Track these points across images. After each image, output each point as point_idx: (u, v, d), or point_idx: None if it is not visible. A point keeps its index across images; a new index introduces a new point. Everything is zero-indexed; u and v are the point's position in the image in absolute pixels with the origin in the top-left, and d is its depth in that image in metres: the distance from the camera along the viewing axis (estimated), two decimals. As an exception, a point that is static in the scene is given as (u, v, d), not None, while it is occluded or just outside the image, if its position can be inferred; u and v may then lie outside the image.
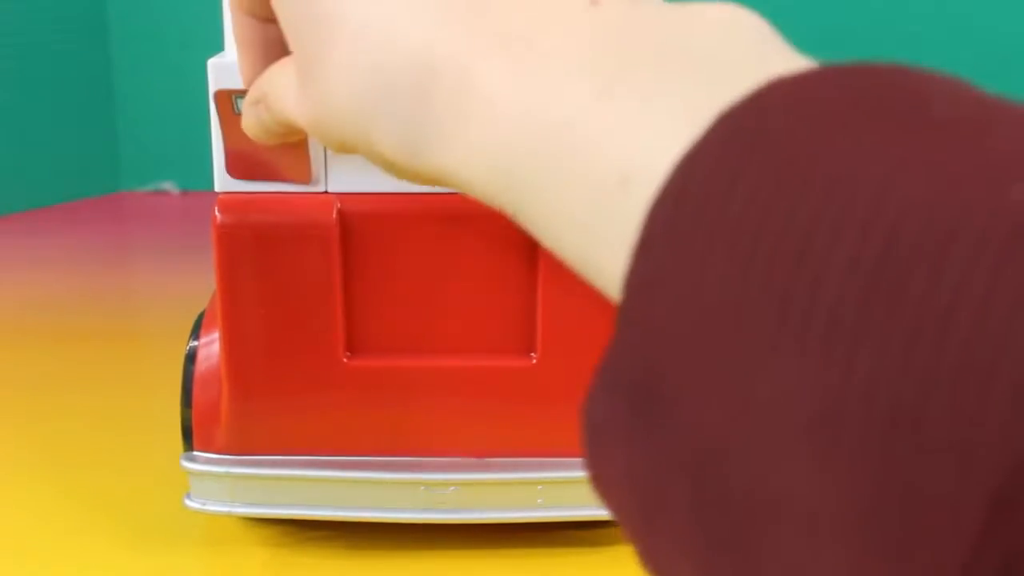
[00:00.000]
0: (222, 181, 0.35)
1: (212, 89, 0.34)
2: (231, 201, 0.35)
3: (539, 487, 0.37)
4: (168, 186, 0.87)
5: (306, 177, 0.35)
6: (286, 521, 0.40)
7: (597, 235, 0.16)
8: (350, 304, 0.36)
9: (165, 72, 0.83)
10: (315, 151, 0.35)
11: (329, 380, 0.36)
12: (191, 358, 0.38)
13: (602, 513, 0.37)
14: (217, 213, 0.35)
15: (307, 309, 0.35)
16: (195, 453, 0.38)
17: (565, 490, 0.37)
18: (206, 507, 0.38)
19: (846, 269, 0.11)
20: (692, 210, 0.13)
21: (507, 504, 0.37)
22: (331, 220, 0.34)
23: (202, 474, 0.38)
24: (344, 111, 0.20)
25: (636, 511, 0.14)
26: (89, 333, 0.61)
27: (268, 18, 0.24)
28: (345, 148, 0.21)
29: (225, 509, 0.38)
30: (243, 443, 0.37)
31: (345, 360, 0.36)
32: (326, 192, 0.35)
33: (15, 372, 0.56)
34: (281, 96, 0.23)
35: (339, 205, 0.35)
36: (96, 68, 0.85)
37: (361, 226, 0.35)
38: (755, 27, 0.16)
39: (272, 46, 0.25)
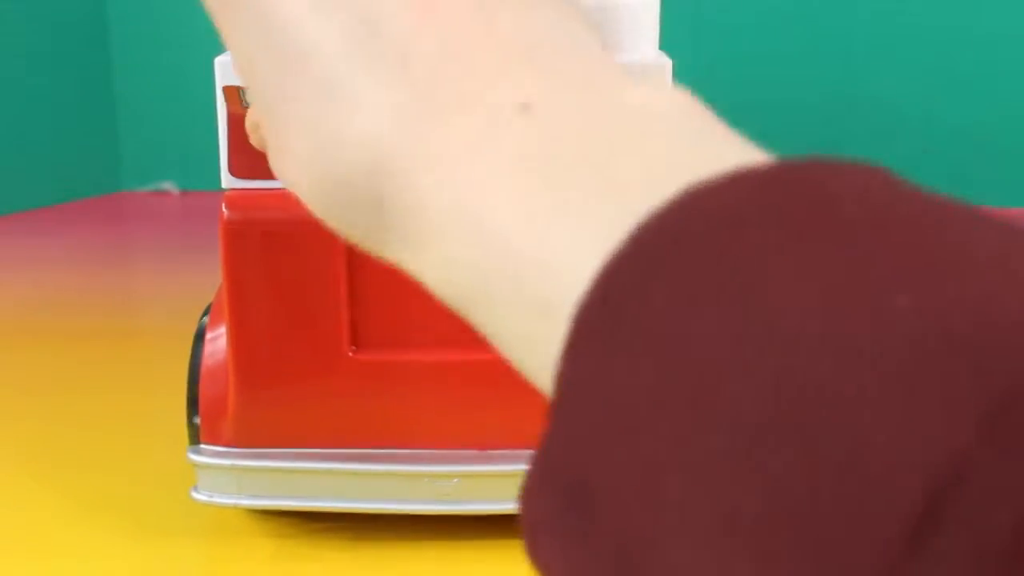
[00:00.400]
0: (228, 178, 0.36)
1: (220, 85, 0.35)
2: (238, 198, 0.36)
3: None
4: (168, 186, 0.87)
5: None
6: (291, 513, 0.40)
7: (533, 353, 0.16)
8: (355, 298, 0.36)
9: (165, 72, 0.83)
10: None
11: (334, 373, 0.37)
12: (200, 336, 0.39)
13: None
14: (224, 209, 0.35)
15: (312, 304, 0.36)
16: (202, 446, 0.38)
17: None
18: (213, 499, 0.38)
19: (745, 381, 0.12)
20: (610, 317, 0.14)
21: (510, 496, 0.37)
22: (337, 216, 0.35)
23: (209, 466, 0.38)
24: (305, 197, 0.19)
25: None
26: (89, 333, 0.62)
27: None
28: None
29: (232, 501, 0.38)
30: (249, 436, 0.38)
31: (350, 353, 0.36)
32: (331, 188, 0.35)
33: (15, 372, 0.56)
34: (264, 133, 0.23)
35: (344, 201, 0.35)
36: (96, 68, 0.85)
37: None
38: (683, 114, 0.16)
39: None
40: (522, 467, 0.37)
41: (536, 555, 0.16)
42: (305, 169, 0.19)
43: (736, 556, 0.12)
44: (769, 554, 0.12)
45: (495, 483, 0.37)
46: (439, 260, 0.17)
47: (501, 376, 0.37)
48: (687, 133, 0.16)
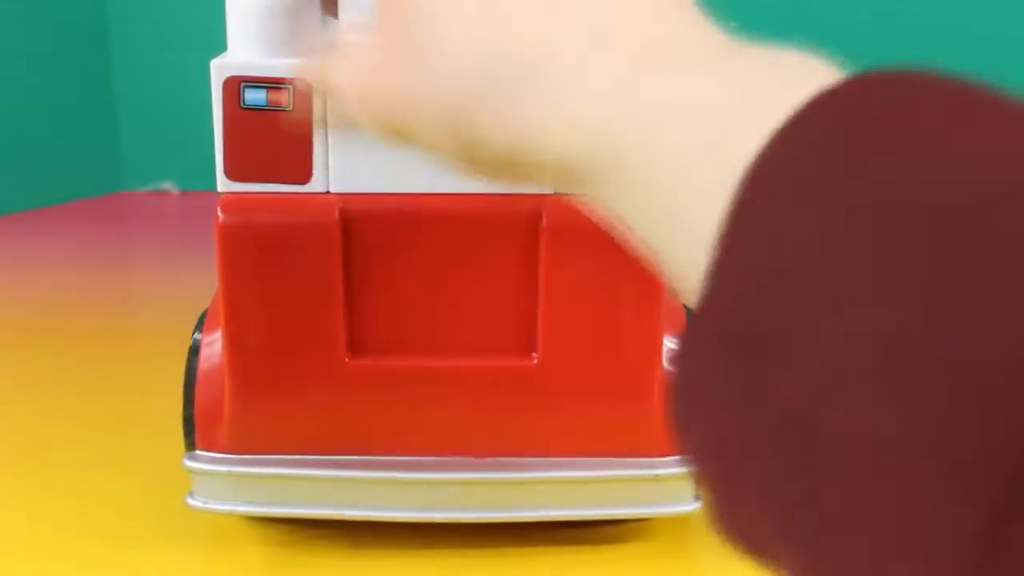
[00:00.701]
0: (224, 181, 0.35)
1: (216, 87, 0.34)
2: (234, 201, 0.35)
3: (540, 487, 0.37)
4: (168, 186, 0.87)
5: (306, 177, 0.35)
6: (287, 520, 0.40)
7: (691, 187, 0.17)
8: (352, 304, 0.36)
9: (165, 72, 0.83)
10: (317, 151, 0.35)
11: (331, 379, 0.36)
12: (195, 351, 0.38)
13: (603, 512, 0.38)
14: (220, 213, 0.35)
15: (309, 309, 0.36)
16: (197, 452, 0.38)
17: (566, 489, 0.37)
18: (208, 506, 0.38)
19: (917, 228, 0.12)
20: (788, 173, 0.14)
21: (508, 504, 0.37)
22: (333, 220, 0.35)
23: (204, 473, 0.38)
24: (440, 76, 0.21)
25: (721, 464, 0.15)
26: (89, 333, 0.62)
27: None
28: (387, 126, 0.23)
29: (227, 508, 0.38)
30: (245, 442, 0.37)
31: (347, 360, 0.36)
32: (328, 192, 0.35)
33: (15, 372, 0.56)
34: (348, 68, 0.25)
35: (341, 205, 0.35)
36: (96, 68, 0.85)
37: (363, 226, 0.35)
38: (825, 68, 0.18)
39: None
40: (521, 475, 0.37)
41: (684, 415, 0.16)
42: (461, 44, 0.21)
43: (896, 391, 0.12)
44: (929, 387, 0.12)
45: (494, 491, 0.37)
46: (596, 113, 0.19)
47: (499, 383, 0.36)
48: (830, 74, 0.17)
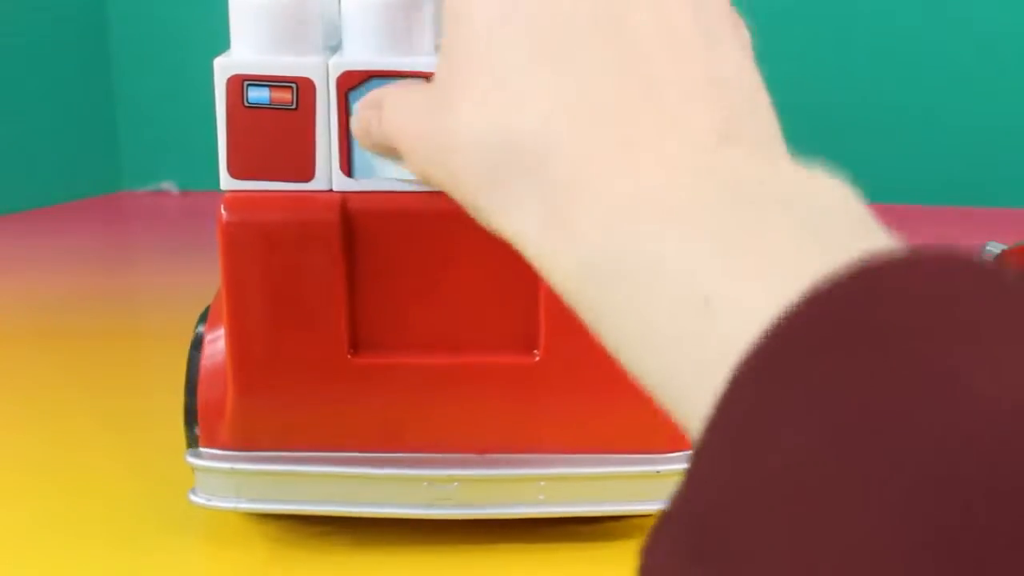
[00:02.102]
0: (227, 179, 0.35)
1: (219, 85, 0.34)
2: (237, 199, 0.35)
3: (541, 483, 0.37)
4: (168, 186, 0.87)
5: (309, 175, 0.35)
6: (290, 517, 0.40)
7: (679, 354, 0.16)
8: (354, 301, 0.36)
9: (165, 72, 0.83)
10: (320, 150, 0.35)
11: (333, 377, 0.36)
12: (197, 345, 0.38)
13: (604, 509, 0.38)
14: (223, 211, 0.35)
15: (311, 306, 0.36)
16: (200, 449, 0.38)
17: (567, 486, 0.37)
18: (211, 503, 0.38)
19: (928, 457, 0.12)
20: (782, 367, 0.13)
21: (509, 500, 0.37)
22: (335, 218, 0.35)
23: (207, 469, 0.38)
24: (454, 145, 0.21)
25: None
26: (89, 333, 0.61)
27: None
28: (430, 180, 0.23)
29: (230, 505, 0.38)
30: (247, 439, 0.38)
31: (349, 357, 0.36)
32: (331, 190, 0.35)
33: (15, 372, 0.56)
34: (397, 108, 0.24)
35: (343, 203, 0.35)
36: (96, 68, 0.85)
37: (365, 224, 0.35)
38: (856, 204, 0.17)
39: None
40: (523, 471, 0.37)
41: None
42: (474, 114, 0.21)
43: None
44: None
45: (495, 487, 0.37)
46: (588, 242, 0.18)
47: (501, 380, 0.37)
48: (858, 217, 0.16)
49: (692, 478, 0.15)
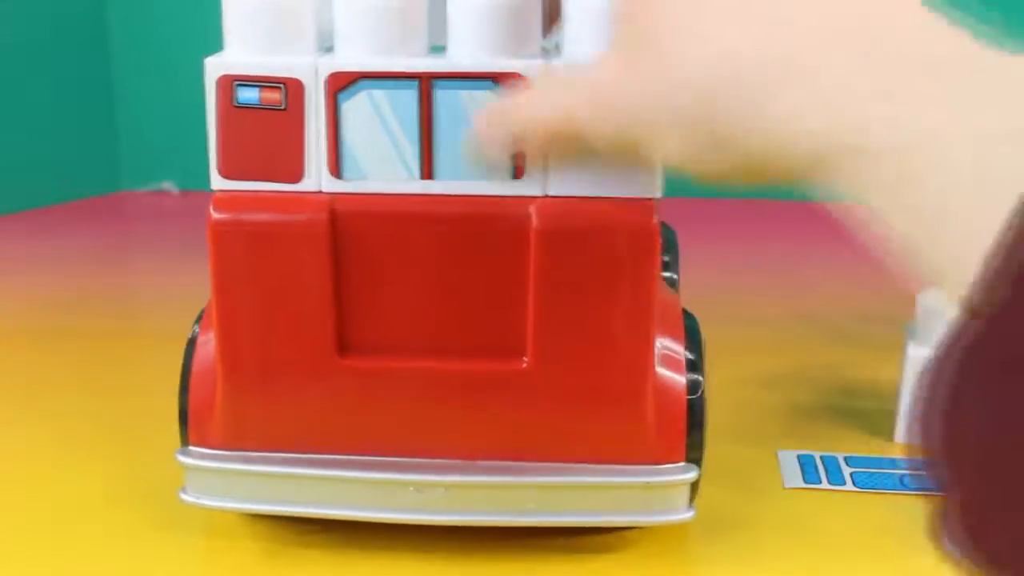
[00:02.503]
0: (217, 179, 0.35)
1: (210, 85, 0.34)
2: (226, 199, 0.35)
3: (530, 491, 0.37)
4: (168, 186, 0.87)
5: (299, 176, 0.35)
6: (281, 517, 0.40)
7: (976, 187, 0.18)
8: (342, 303, 0.36)
9: (165, 72, 0.83)
10: (309, 150, 0.35)
11: (321, 379, 0.36)
12: (193, 342, 0.38)
13: (593, 519, 0.38)
14: (212, 211, 0.35)
15: (299, 307, 0.36)
16: (190, 448, 0.38)
17: (556, 495, 0.37)
18: (200, 501, 0.38)
19: None
20: None
21: (497, 507, 0.37)
22: (324, 219, 0.35)
23: (196, 468, 0.38)
24: (696, 81, 0.22)
25: (982, 471, 0.15)
26: (88, 333, 0.62)
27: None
28: (635, 141, 0.24)
29: (218, 504, 0.38)
30: (236, 438, 0.37)
31: (337, 359, 0.36)
32: (320, 191, 0.35)
33: (15, 372, 0.56)
34: (548, 91, 0.26)
35: (332, 204, 0.35)
36: (96, 68, 0.85)
37: (354, 226, 0.35)
38: None
39: None
40: (510, 479, 0.37)
41: (947, 418, 0.16)
42: (724, 41, 0.22)
43: None
44: None
45: (482, 494, 0.37)
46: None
47: (489, 386, 0.36)
48: None
49: (1000, 290, 0.15)
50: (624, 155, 0.26)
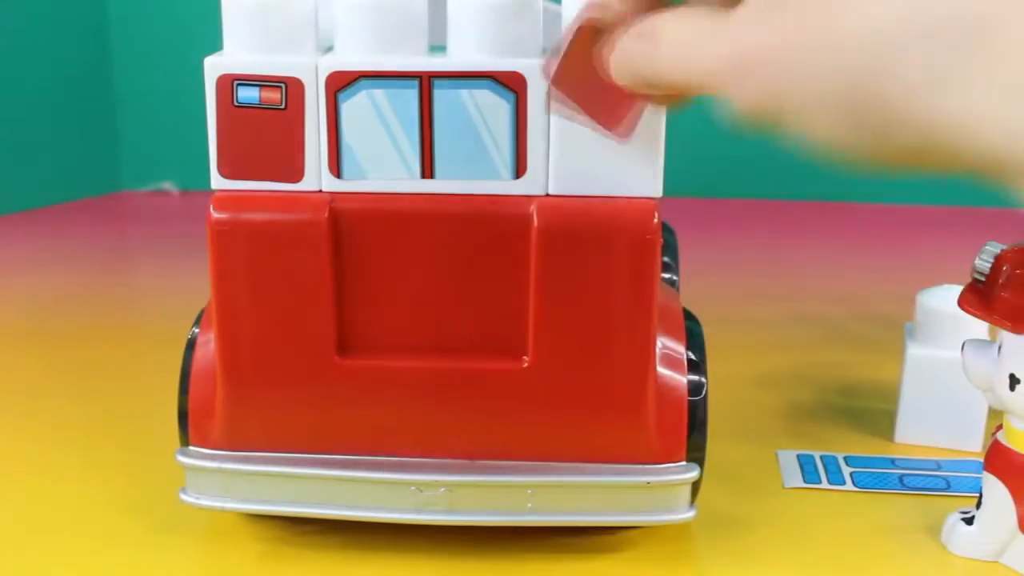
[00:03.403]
0: (218, 179, 0.35)
1: (209, 85, 0.34)
2: (226, 198, 0.35)
3: (529, 491, 0.37)
4: (168, 186, 0.87)
5: (299, 175, 0.35)
6: (281, 517, 0.40)
7: None
8: (342, 303, 0.36)
9: (165, 72, 0.83)
10: (309, 150, 0.35)
11: (321, 378, 0.36)
12: (191, 345, 0.38)
13: (593, 519, 0.38)
14: (212, 210, 0.35)
15: (299, 307, 0.36)
16: (190, 448, 0.38)
17: (556, 494, 0.37)
18: (200, 501, 0.38)
19: None
20: None
21: (497, 507, 0.37)
22: (323, 218, 0.35)
23: (196, 468, 0.38)
24: (848, 44, 0.19)
25: None
26: (89, 333, 0.62)
27: None
28: (784, 113, 0.20)
29: (218, 504, 0.38)
30: (236, 438, 0.37)
31: (337, 359, 0.36)
32: (320, 191, 0.35)
33: (14, 372, 0.56)
34: (688, 41, 0.22)
35: (332, 204, 0.35)
36: (96, 68, 0.85)
37: (354, 225, 0.35)
38: None
39: None
40: (511, 478, 0.37)
41: None
42: (873, 4, 0.19)
43: None
44: None
45: (483, 493, 0.37)
46: None
47: (490, 385, 0.36)
48: None
49: None
50: (764, 124, 0.22)
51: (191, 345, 0.39)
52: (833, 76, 0.19)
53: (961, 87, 0.18)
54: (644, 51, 0.23)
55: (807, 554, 0.39)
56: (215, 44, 0.36)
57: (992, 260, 0.37)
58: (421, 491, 0.37)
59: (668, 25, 0.23)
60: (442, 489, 0.37)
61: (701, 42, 0.22)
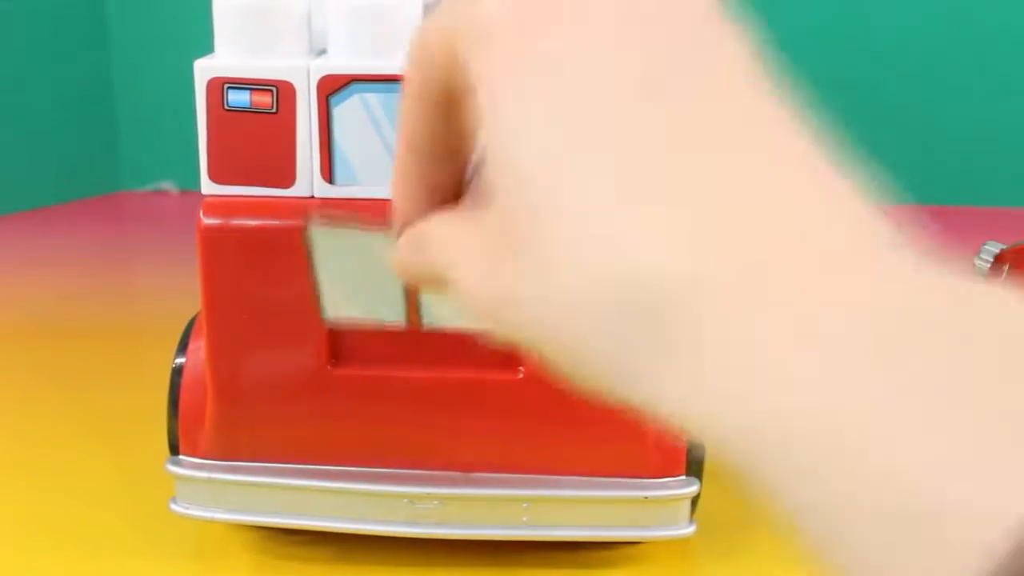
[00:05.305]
0: (208, 184, 0.35)
1: (199, 88, 0.34)
2: (216, 204, 0.35)
3: (524, 504, 0.36)
4: (168, 186, 0.87)
5: (290, 181, 0.34)
6: (273, 528, 0.39)
7: (883, 554, 0.13)
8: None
9: (165, 72, 0.82)
10: (301, 155, 0.34)
11: (313, 388, 0.36)
12: (178, 372, 0.38)
13: (589, 534, 0.37)
14: (202, 216, 0.35)
15: (291, 315, 0.35)
16: (180, 457, 0.38)
17: (551, 508, 0.36)
18: (189, 512, 0.37)
19: None
20: None
21: (492, 520, 0.36)
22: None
23: (186, 478, 0.37)
24: (545, 311, 0.17)
25: None
26: (89, 333, 0.61)
27: (437, 158, 0.22)
28: (516, 339, 0.19)
29: (208, 515, 0.37)
30: (227, 448, 0.37)
31: (329, 368, 0.35)
32: (312, 196, 0.34)
33: (14, 372, 0.56)
34: (450, 255, 0.20)
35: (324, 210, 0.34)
36: (96, 68, 0.85)
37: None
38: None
39: (436, 190, 0.22)
40: (506, 491, 0.36)
41: None
42: (560, 275, 0.17)
43: None
44: None
45: (477, 507, 0.36)
46: (733, 400, 0.15)
47: (484, 397, 0.36)
48: None
49: None
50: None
51: (181, 352, 0.38)
52: (533, 336, 0.18)
53: (648, 376, 0.16)
54: (414, 254, 0.22)
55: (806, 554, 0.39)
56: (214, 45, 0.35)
57: (991, 260, 0.36)
58: (414, 503, 0.36)
59: (434, 237, 0.21)
60: (435, 502, 0.36)
61: (457, 261, 0.20)
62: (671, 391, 0.16)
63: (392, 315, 0.33)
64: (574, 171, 0.17)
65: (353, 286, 0.33)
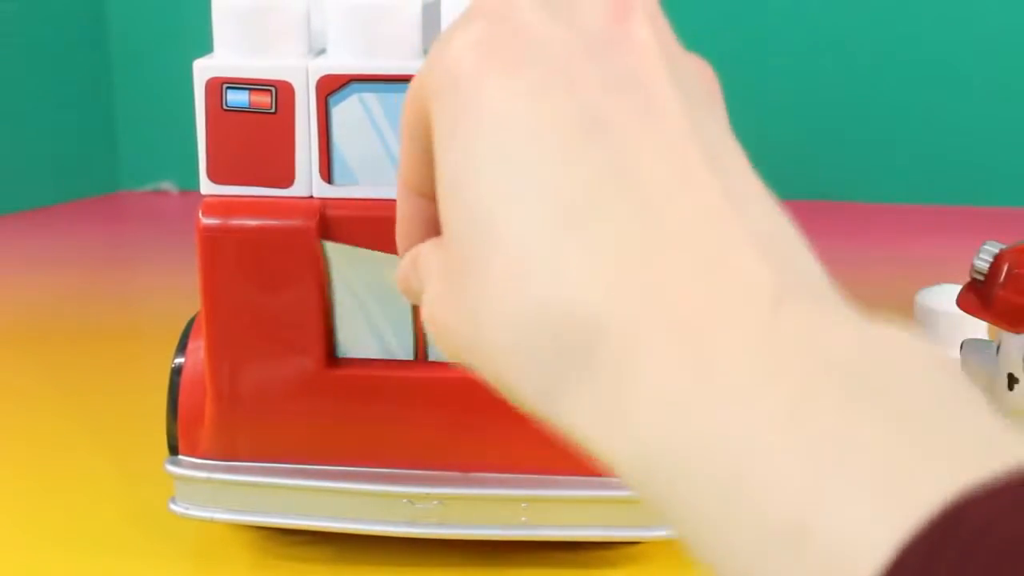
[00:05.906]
0: (207, 183, 0.35)
1: (198, 88, 0.34)
2: (215, 204, 0.35)
3: (523, 504, 0.36)
4: (168, 186, 0.87)
5: (289, 181, 0.34)
6: (272, 528, 0.39)
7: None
8: (333, 311, 0.35)
9: (165, 72, 0.82)
10: (300, 155, 0.34)
11: (312, 387, 0.36)
12: (177, 372, 0.38)
13: (589, 533, 0.37)
14: (201, 216, 0.35)
15: (290, 315, 0.35)
16: (179, 457, 0.38)
17: (550, 508, 0.36)
18: (189, 512, 0.37)
19: None
20: None
21: (491, 520, 0.36)
22: (313, 225, 0.34)
23: (185, 478, 0.37)
24: (483, 333, 0.19)
25: None
26: (88, 333, 0.61)
27: (429, 196, 0.23)
28: (461, 361, 0.21)
29: (207, 515, 0.37)
30: (226, 448, 0.37)
31: (328, 368, 0.35)
32: (311, 197, 0.34)
33: (14, 372, 0.56)
34: (425, 275, 0.22)
35: (323, 210, 0.34)
36: (96, 68, 0.85)
37: (345, 232, 0.34)
38: (952, 375, 0.15)
39: (432, 224, 0.23)
40: (505, 491, 0.36)
41: None
42: (497, 301, 0.18)
43: None
44: None
45: (476, 507, 0.36)
46: (643, 434, 0.16)
47: (484, 396, 0.35)
48: (955, 391, 0.15)
49: None
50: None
51: (181, 352, 0.38)
52: (472, 358, 0.20)
53: (569, 401, 0.17)
54: (410, 276, 0.24)
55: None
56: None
57: (991, 259, 0.36)
58: (413, 503, 0.36)
59: (420, 259, 0.23)
60: (435, 502, 0.36)
61: (427, 284, 0.22)
62: (586, 415, 0.17)
63: (401, 347, 0.34)
64: (510, 210, 0.18)
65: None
